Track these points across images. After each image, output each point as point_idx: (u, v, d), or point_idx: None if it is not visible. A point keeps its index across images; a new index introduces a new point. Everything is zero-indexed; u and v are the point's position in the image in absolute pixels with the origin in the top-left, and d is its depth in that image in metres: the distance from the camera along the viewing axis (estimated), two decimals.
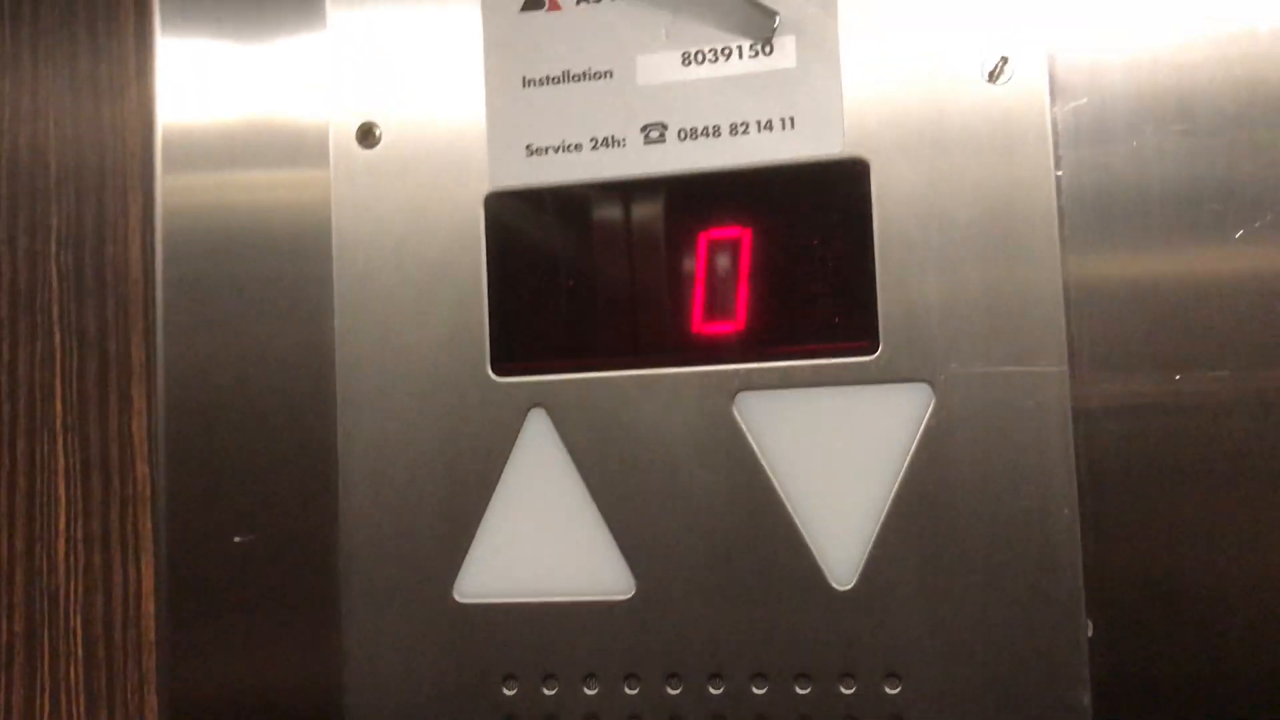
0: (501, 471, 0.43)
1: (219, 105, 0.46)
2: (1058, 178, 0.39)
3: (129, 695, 0.49)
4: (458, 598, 0.43)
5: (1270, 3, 0.39)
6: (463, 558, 0.43)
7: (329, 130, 0.45)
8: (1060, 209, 0.39)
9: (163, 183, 0.46)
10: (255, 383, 0.45)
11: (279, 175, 0.45)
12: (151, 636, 0.49)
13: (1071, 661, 0.38)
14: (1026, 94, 0.40)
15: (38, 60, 0.52)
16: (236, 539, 0.45)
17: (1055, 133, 0.40)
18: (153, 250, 0.46)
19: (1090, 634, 0.39)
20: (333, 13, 0.45)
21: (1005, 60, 0.40)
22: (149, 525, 0.49)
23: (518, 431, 0.43)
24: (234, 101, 0.46)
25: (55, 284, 0.51)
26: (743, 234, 0.42)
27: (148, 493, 0.50)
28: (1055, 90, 0.40)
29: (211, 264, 0.46)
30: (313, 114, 0.45)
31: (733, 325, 0.42)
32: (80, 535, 0.50)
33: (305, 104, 0.45)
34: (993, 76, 0.40)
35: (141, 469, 0.50)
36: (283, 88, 0.46)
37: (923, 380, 0.40)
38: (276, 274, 0.45)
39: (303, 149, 0.45)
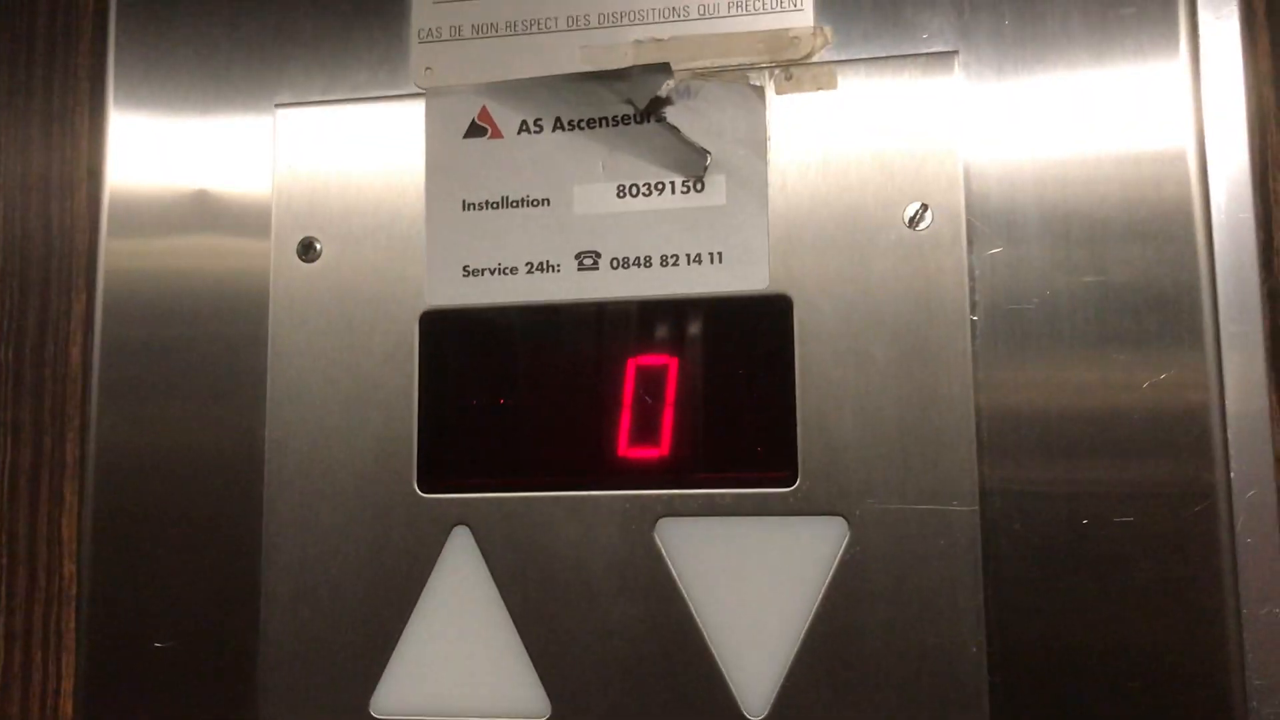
0: (423, 588, 0.43)
1: (163, 216, 0.47)
2: (973, 322, 0.41)
3: None
4: (374, 713, 0.43)
5: (1180, 162, 0.41)
6: (381, 672, 0.43)
7: (271, 243, 0.46)
8: (975, 353, 0.41)
9: (104, 287, 0.47)
10: (184, 488, 0.45)
11: (219, 290, 0.46)
12: None
13: None
14: (944, 240, 0.41)
15: None
16: (157, 644, 0.45)
17: (972, 279, 0.41)
18: (92, 350, 0.47)
19: None
20: (281, 132, 0.46)
21: (925, 207, 0.41)
22: (73, 625, 0.49)
23: (441, 548, 0.43)
24: (178, 214, 0.47)
25: None
26: (669, 362, 0.43)
27: (74, 592, 0.49)
28: (973, 238, 0.41)
29: (149, 368, 0.46)
30: (256, 232, 0.46)
31: (657, 451, 0.42)
32: (1, 632, 0.50)
33: (249, 222, 0.46)
34: (912, 222, 0.41)
35: (69, 568, 0.50)
36: (228, 205, 0.47)
37: (839, 514, 0.41)
38: (212, 379, 0.46)
39: (242, 267, 0.46)
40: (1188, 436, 0.40)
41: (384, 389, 0.44)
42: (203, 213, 0.47)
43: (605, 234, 0.43)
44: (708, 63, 0.43)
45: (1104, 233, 0.41)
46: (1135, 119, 0.41)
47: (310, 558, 0.44)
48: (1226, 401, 0.40)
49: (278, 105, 0.46)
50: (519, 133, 0.44)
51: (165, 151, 0.47)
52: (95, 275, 0.48)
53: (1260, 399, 0.41)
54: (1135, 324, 0.40)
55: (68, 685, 0.49)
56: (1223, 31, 0.42)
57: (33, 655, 0.50)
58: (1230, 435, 0.40)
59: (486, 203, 0.44)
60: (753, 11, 0.43)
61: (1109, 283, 0.40)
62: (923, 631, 0.40)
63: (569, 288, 0.43)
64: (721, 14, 0.44)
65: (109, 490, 0.46)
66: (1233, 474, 0.40)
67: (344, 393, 0.44)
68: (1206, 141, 0.41)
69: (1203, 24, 0.42)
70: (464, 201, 0.44)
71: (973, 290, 0.41)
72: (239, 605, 0.44)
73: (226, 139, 0.47)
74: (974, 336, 0.41)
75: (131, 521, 0.46)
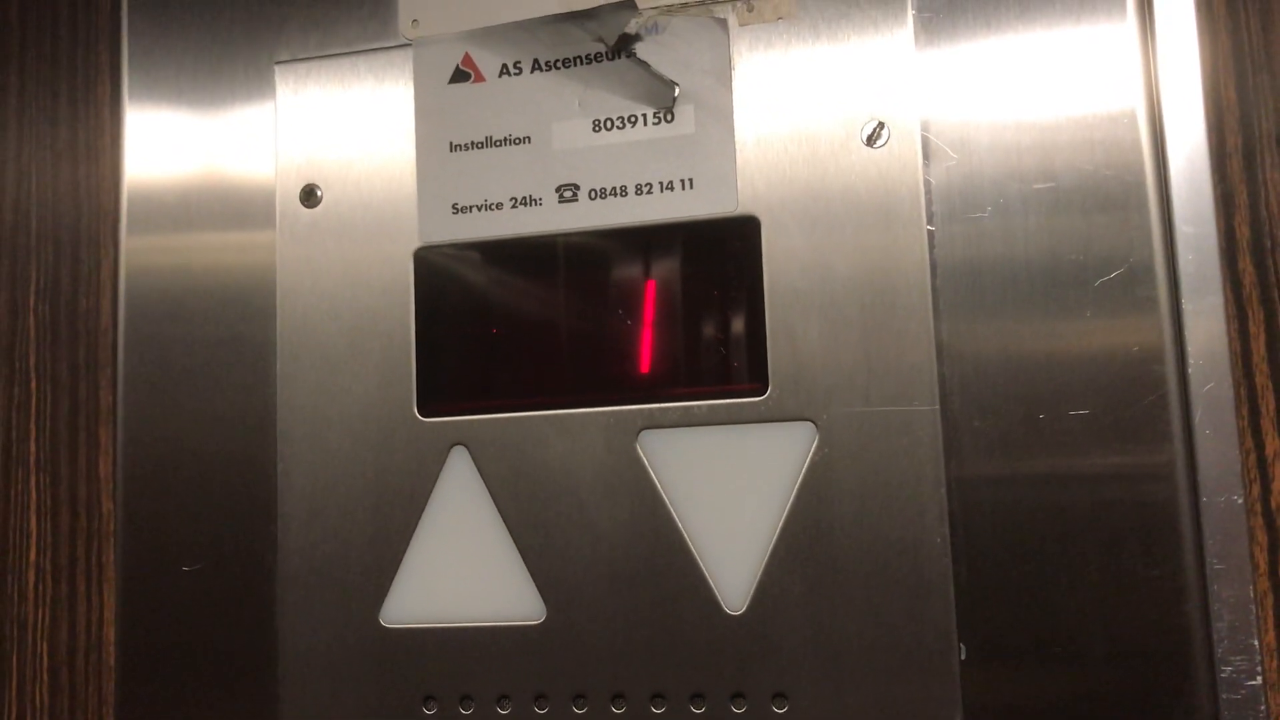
0: (425, 504, 0.46)
1: (178, 170, 0.50)
2: (930, 232, 0.43)
3: (89, 717, 0.52)
4: (383, 622, 0.46)
5: (1129, 68, 0.42)
6: (389, 585, 0.46)
7: (275, 191, 0.49)
8: (932, 262, 0.43)
9: (126, 241, 0.51)
10: (204, 422, 0.49)
11: (230, 236, 0.49)
12: (111, 661, 0.52)
13: (945, 683, 0.41)
14: (901, 156, 0.43)
15: (23, 128, 0.56)
16: (185, 568, 0.48)
17: (928, 192, 0.43)
18: (118, 303, 0.50)
19: (963, 657, 0.41)
20: (281, 87, 0.49)
21: (882, 125, 0.43)
22: (112, 557, 0.53)
23: (441, 467, 0.46)
24: (192, 167, 0.50)
25: (33, 333, 0.55)
26: (647, 285, 0.45)
27: (112, 527, 0.53)
28: (928, 153, 0.43)
29: (169, 314, 0.50)
30: (262, 179, 0.49)
31: (637, 368, 0.45)
32: (49, 566, 0.54)
33: (255, 170, 0.50)
34: (871, 140, 0.43)
35: (107, 505, 0.53)
36: (235, 155, 0.50)
37: (808, 419, 0.43)
38: (225, 323, 0.49)
39: (251, 212, 0.49)
40: (1139, 331, 0.41)
41: (384, 322, 0.47)
42: (212, 170, 0.50)
43: (583, 167, 0.46)
44: None
45: (1053, 140, 0.42)
46: (1084, 34, 0.43)
47: (321, 481, 0.47)
48: (1182, 299, 0.42)
49: (277, 62, 0.50)
50: (500, 76, 0.47)
51: (178, 113, 0.51)
52: (119, 233, 0.51)
53: (1215, 295, 0.42)
54: (1085, 226, 0.42)
55: (109, 614, 0.53)
56: None
57: (77, 587, 0.54)
58: (1187, 332, 0.42)
59: (472, 143, 0.47)
60: None
61: (1059, 188, 0.42)
62: (889, 526, 0.42)
63: (551, 220, 0.46)
64: None
65: (136, 430, 0.50)
66: (1190, 369, 0.42)
67: (347, 326, 0.47)
68: (1158, 45, 0.43)
69: None
70: (451, 143, 0.47)
71: (929, 202, 0.43)
72: (258, 528, 0.48)
73: (232, 98, 0.50)
74: (931, 247, 0.43)
75: (157, 457, 0.49)
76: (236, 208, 0.50)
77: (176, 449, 0.49)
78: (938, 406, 0.42)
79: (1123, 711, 0.40)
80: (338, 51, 0.49)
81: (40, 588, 0.54)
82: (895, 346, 0.42)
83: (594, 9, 0.46)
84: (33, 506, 0.54)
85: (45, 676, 0.53)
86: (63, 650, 0.53)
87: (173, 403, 0.49)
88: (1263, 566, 0.43)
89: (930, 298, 0.42)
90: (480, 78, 0.47)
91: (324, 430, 0.47)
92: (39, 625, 0.54)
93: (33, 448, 0.54)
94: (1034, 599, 0.41)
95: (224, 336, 0.49)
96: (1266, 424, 0.43)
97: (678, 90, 0.45)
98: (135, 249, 0.51)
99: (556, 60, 0.47)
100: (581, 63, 0.46)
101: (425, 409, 0.46)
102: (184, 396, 0.49)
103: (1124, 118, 0.42)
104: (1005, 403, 0.42)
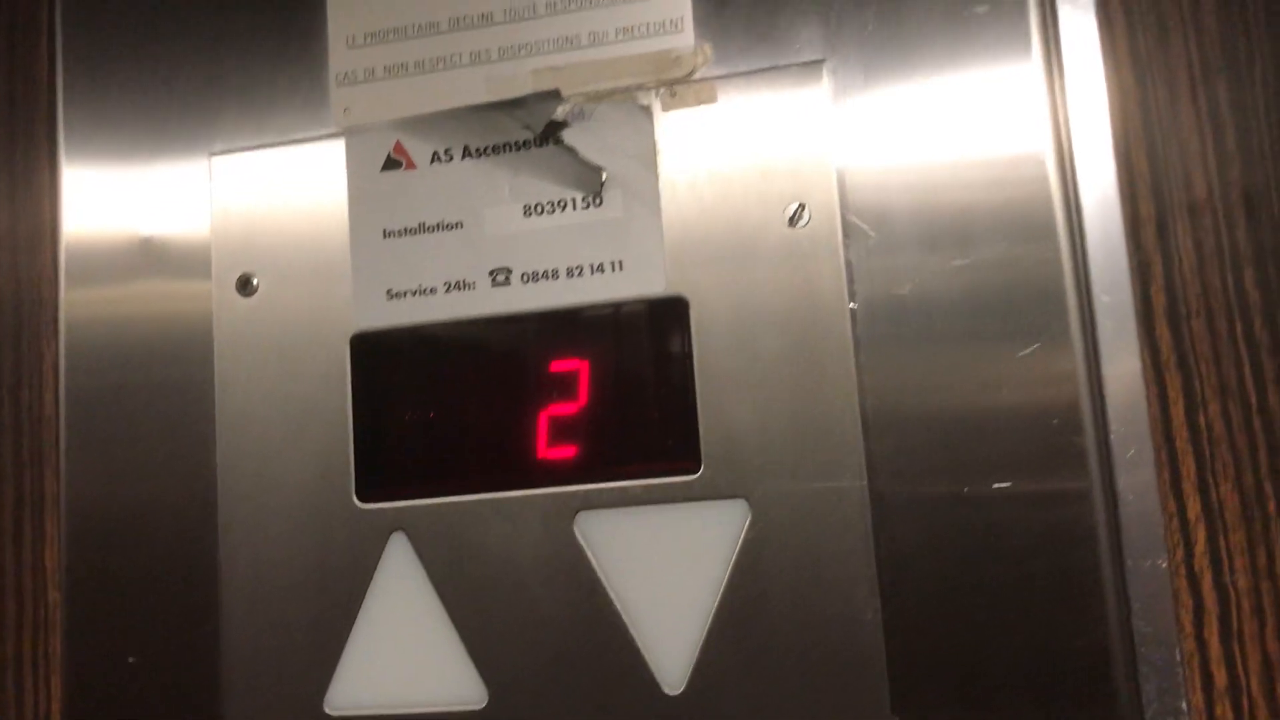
0: (366, 591, 0.46)
1: (116, 265, 0.51)
2: (852, 310, 0.44)
3: None
4: (328, 710, 0.46)
5: (1041, 144, 0.43)
6: (332, 671, 0.46)
7: (212, 281, 0.49)
8: (856, 338, 0.43)
9: (66, 332, 0.51)
10: (146, 513, 0.49)
11: (169, 328, 0.50)
12: None
13: None
14: (822, 236, 0.44)
15: None
16: (130, 659, 0.48)
17: (849, 270, 0.44)
18: (59, 395, 0.51)
19: None
20: (217, 178, 0.50)
21: (803, 206, 0.44)
22: (59, 649, 0.53)
23: (380, 554, 0.46)
24: (129, 260, 0.51)
25: None
26: (580, 366, 0.46)
27: (58, 618, 0.53)
28: (848, 232, 0.44)
29: (110, 404, 0.50)
30: (198, 268, 0.50)
31: (572, 450, 0.45)
32: None
33: (191, 261, 0.50)
34: (792, 221, 0.44)
35: (53, 595, 0.53)
36: (173, 248, 0.50)
37: (740, 497, 0.44)
38: (167, 414, 0.49)
39: (188, 303, 0.50)
40: (1059, 403, 0.42)
41: (322, 409, 0.47)
42: (149, 259, 0.50)
43: (515, 251, 0.47)
44: (600, 86, 0.47)
45: (970, 218, 0.43)
46: (995, 108, 0.44)
47: (262, 570, 0.47)
48: (1102, 367, 0.43)
49: (212, 154, 0.50)
50: (431, 163, 0.48)
51: (114, 204, 0.51)
52: (59, 323, 0.52)
53: (1133, 362, 0.43)
54: (1003, 299, 0.43)
55: (56, 706, 0.53)
56: (1080, 23, 0.45)
57: (24, 679, 0.53)
58: (1107, 399, 0.43)
59: (405, 230, 0.48)
60: (638, 36, 0.47)
61: (977, 264, 0.43)
62: (822, 602, 0.42)
63: (484, 303, 0.47)
64: (610, 40, 0.47)
65: (79, 522, 0.50)
66: (1111, 435, 0.42)
67: (285, 415, 0.48)
68: (1071, 124, 0.44)
69: (1062, 16, 0.45)
70: (384, 230, 0.48)
71: (851, 280, 0.44)
72: (201, 617, 0.48)
73: (168, 189, 0.51)
74: (854, 323, 0.44)
75: (101, 549, 0.49)
76: (174, 301, 0.50)
77: (119, 539, 0.49)
78: (865, 482, 0.43)
79: None
80: (272, 141, 0.50)
81: None
82: (822, 423, 0.43)
83: (521, 97, 0.47)
84: None
85: None
86: None
87: (115, 493, 0.50)
88: (1189, 629, 0.44)
89: (855, 375, 0.43)
90: (412, 165, 0.48)
91: (264, 519, 0.47)
92: None
93: None
94: (965, 670, 0.42)
95: (166, 426, 0.49)
96: (1188, 487, 0.44)
97: (605, 175, 0.46)
98: (75, 339, 0.51)
99: (486, 147, 0.47)
100: (511, 149, 0.47)
101: (364, 496, 0.47)
102: (126, 486, 0.49)
103: (1038, 190, 0.43)
104: (931, 477, 0.43)
